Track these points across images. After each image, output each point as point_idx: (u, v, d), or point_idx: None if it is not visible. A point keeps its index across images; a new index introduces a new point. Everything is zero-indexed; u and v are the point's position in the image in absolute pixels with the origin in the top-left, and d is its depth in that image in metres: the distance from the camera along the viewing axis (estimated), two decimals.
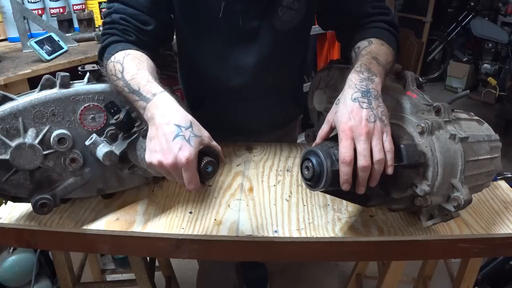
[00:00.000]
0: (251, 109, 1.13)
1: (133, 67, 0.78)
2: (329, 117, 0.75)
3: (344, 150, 0.67)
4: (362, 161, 0.66)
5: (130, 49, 0.83)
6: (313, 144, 0.75)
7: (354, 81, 0.75)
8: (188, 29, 1.02)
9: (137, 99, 0.73)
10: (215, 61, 1.04)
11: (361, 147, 0.67)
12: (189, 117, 0.68)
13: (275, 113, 1.19)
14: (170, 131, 0.65)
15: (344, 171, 0.67)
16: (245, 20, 0.96)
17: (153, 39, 0.93)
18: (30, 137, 0.74)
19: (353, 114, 0.69)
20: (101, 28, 1.00)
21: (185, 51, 1.13)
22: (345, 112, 0.70)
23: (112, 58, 0.81)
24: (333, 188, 0.70)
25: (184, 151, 0.63)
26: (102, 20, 0.94)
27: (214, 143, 0.70)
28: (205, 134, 0.68)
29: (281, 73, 1.12)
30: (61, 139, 0.77)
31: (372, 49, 0.85)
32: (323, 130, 0.75)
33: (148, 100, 0.71)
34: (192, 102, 1.19)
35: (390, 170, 0.68)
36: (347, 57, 1.01)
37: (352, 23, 0.98)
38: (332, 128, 0.74)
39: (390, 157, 0.68)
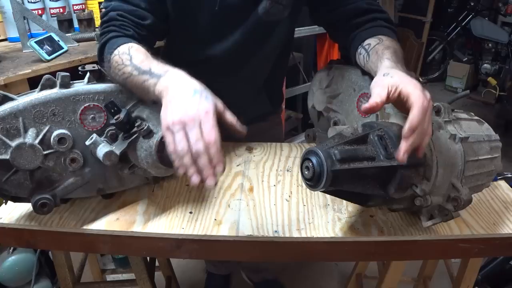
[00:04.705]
0: (227, 87, 1.12)
1: (141, 55, 0.80)
2: (390, 82, 0.69)
3: (416, 118, 0.65)
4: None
5: (131, 42, 0.85)
6: (370, 101, 0.67)
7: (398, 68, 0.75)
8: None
9: (147, 78, 0.75)
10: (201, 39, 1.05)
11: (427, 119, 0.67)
12: (203, 86, 0.72)
13: (248, 102, 1.17)
14: (188, 91, 0.69)
15: (408, 141, 0.65)
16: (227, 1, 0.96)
17: (151, 33, 0.94)
18: (30, 137, 0.74)
19: (420, 88, 0.68)
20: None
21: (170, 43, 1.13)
22: (415, 83, 0.68)
23: (116, 51, 0.83)
24: (333, 188, 0.70)
25: (203, 105, 0.67)
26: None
27: (228, 112, 0.72)
28: (219, 102, 0.71)
29: (253, 62, 1.11)
30: (61, 139, 0.77)
31: (388, 45, 0.86)
32: (381, 94, 0.67)
33: (160, 76, 0.74)
34: None
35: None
36: (347, 57, 1.00)
37: (348, 19, 0.98)
38: (389, 93, 0.68)
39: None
